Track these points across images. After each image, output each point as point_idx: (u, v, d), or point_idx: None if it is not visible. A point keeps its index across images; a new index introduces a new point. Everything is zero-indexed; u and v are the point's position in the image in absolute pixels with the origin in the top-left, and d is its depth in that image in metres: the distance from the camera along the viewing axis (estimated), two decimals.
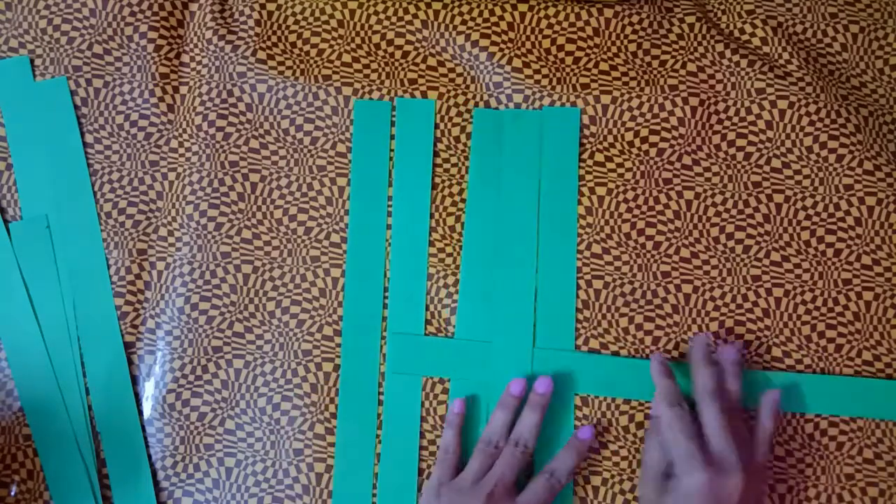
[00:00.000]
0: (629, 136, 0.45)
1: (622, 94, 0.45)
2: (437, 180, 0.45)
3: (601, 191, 0.45)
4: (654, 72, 0.46)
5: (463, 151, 0.46)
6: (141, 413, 0.44)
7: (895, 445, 0.43)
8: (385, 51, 0.47)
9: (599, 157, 0.45)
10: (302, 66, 0.46)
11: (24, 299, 0.44)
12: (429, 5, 0.47)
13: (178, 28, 0.48)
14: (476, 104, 0.46)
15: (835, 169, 0.44)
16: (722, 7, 0.47)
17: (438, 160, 0.46)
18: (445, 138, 0.46)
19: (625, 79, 0.46)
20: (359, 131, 0.46)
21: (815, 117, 0.45)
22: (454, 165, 0.45)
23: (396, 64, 0.47)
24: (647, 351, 0.44)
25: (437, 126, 0.46)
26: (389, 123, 0.46)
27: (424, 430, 0.44)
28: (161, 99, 0.47)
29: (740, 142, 0.45)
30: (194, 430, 0.44)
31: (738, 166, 0.45)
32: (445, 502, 0.40)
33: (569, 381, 0.43)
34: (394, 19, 0.47)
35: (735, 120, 0.45)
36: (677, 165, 0.45)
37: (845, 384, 0.43)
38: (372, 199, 0.45)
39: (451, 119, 0.46)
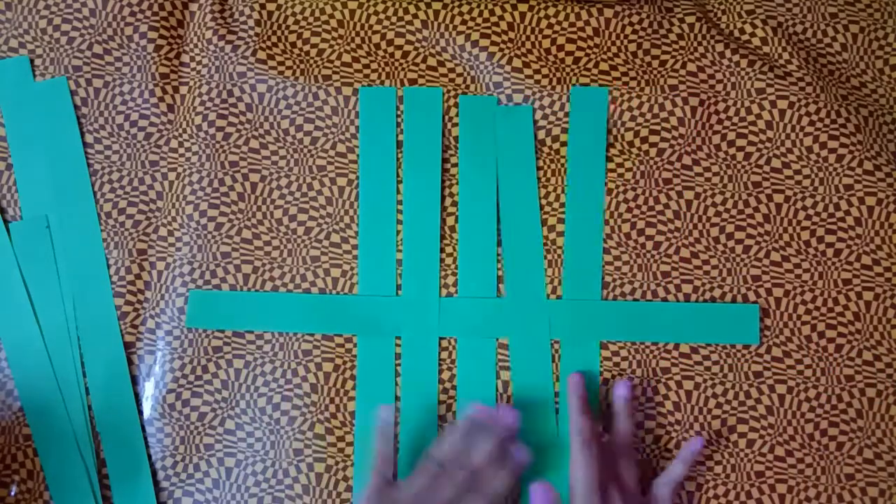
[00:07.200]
0: (629, 136, 0.45)
1: (622, 94, 0.45)
2: None
3: None
4: (654, 72, 0.46)
5: None
6: (141, 413, 0.44)
7: (895, 445, 0.43)
8: (385, 51, 0.47)
9: None
10: (302, 66, 0.46)
11: (24, 299, 0.44)
12: (429, 5, 0.47)
13: (178, 28, 0.48)
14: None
15: (835, 169, 0.44)
16: (722, 7, 0.47)
17: None
18: (446, 138, 0.46)
19: (625, 79, 0.46)
20: (365, 119, 0.46)
21: (815, 117, 0.45)
22: (454, 165, 0.45)
23: (396, 64, 0.47)
24: (648, 351, 0.44)
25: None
26: (395, 109, 0.46)
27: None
28: (161, 99, 0.47)
29: (740, 142, 0.45)
30: (194, 430, 0.44)
31: (738, 166, 0.45)
32: None
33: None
34: (394, 19, 0.47)
35: (735, 120, 0.45)
36: (677, 165, 0.45)
37: (678, 310, 0.44)
38: (382, 188, 0.45)
39: (451, 119, 0.46)
